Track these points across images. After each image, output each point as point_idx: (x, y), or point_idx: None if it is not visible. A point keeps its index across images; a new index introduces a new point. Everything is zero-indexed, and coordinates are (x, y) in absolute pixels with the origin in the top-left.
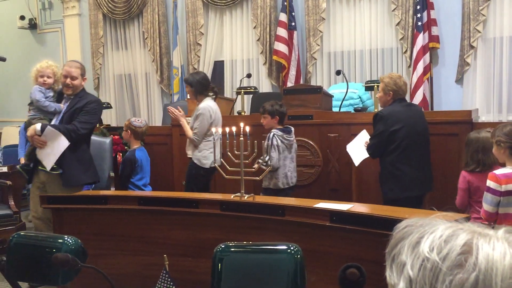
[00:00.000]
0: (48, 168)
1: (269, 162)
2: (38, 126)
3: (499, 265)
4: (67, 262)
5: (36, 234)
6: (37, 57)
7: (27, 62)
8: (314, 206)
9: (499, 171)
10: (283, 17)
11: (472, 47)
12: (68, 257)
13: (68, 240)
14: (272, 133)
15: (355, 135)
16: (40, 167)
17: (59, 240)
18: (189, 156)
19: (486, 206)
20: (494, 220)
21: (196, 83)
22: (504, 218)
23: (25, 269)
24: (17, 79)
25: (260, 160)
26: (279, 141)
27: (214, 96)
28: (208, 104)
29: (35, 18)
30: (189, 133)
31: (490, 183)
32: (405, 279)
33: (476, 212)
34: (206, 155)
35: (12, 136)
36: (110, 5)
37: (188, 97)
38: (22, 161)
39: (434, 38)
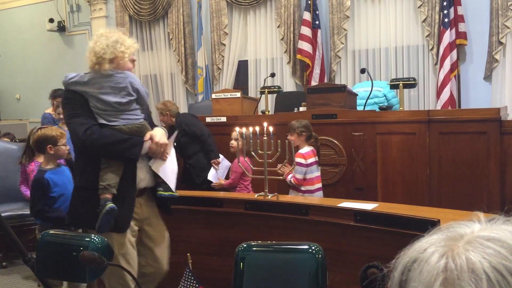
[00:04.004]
0: (174, 189)
1: None
2: (165, 130)
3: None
4: (94, 260)
5: (64, 232)
6: (66, 59)
7: (56, 64)
8: (338, 205)
9: (303, 151)
10: (307, 15)
11: (500, 43)
12: (95, 255)
13: (95, 238)
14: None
15: (380, 134)
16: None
17: (86, 239)
18: None
19: (298, 175)
20: (302, 184)
21: None
22: (309, 181)
23: (53, 266)
24: (47, 80)
25: None
26: None
27: None
28: None
29: (64, 21)
30: None
31: (299, 159)
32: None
33: (244, 187)
34: None
35: None
36: (136, 6)
37: (214, 96)
38: None
39: (462, 35)
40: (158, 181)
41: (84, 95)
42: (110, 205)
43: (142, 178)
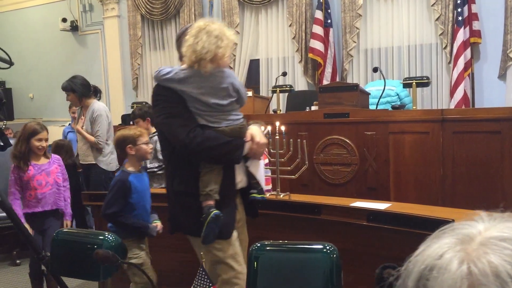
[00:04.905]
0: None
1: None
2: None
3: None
4: (108, 258)
5: (78, 230)
6: (79, 58)
7: (69, 63)
8: (350, 205)
9: None
10: (318, 14)
11: None
12: (109, 254)
13: (109, 237)
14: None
15: (392, 133)
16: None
17: (100, 237)
18: (90, 162)
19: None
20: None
21: (78, 88)
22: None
23: (68, 264)
24: (60, 79)
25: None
26: None
27: (98, 97)
28: (102, 105)
29: (76, 21)
30: (91, 138)
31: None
32: None
33: None
34: (112, 158)
35: (56, 135)
36: (148, 6)
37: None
38: None
39: (476, 33)
40: (252, 182)
41: (180, 94)
42: (215, 211)
43: (239, 180)
